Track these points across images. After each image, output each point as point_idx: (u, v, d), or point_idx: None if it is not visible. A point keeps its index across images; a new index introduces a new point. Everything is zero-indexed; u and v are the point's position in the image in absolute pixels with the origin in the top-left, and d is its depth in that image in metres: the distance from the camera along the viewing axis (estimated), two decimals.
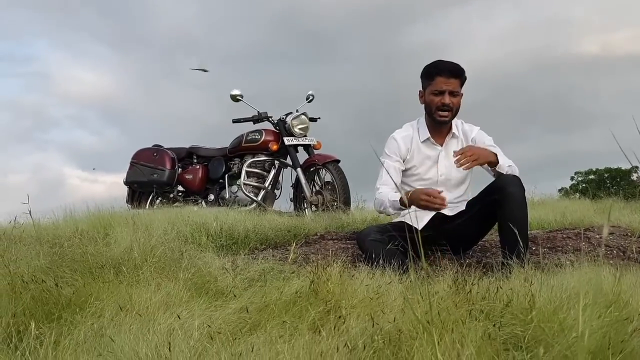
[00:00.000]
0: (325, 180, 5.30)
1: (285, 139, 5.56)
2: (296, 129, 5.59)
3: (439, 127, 3.20)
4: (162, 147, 6.50)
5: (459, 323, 1.70)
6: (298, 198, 5.53)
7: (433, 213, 3.15)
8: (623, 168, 33.91)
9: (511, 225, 2.77)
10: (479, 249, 3.43)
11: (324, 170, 5.28)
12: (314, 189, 5.38)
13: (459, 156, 2.88)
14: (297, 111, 5.73)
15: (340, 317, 1.93)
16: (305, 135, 5.62)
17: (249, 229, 3.72)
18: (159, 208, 5.79)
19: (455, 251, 3.18)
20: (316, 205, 5.21)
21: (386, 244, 2.92)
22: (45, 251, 2.71)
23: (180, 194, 6.29)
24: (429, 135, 3.21)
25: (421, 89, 3.22)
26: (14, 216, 3.42)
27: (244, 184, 5.62)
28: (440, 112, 3.12)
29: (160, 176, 6.21)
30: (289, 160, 5.62)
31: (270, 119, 5.77)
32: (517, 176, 2.98)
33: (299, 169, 5.41)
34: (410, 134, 3.26)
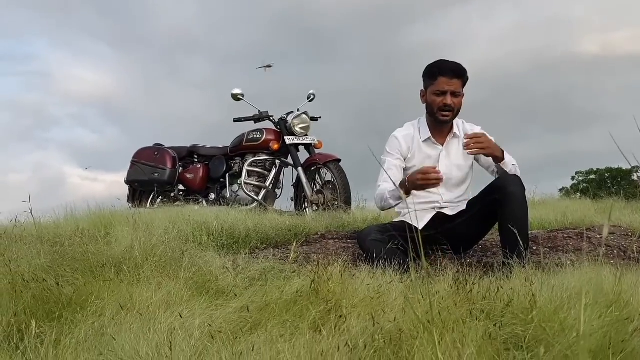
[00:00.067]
0: (326, 179, 5.30)
1: (286, 138, 5.56)
2: (297, 128, 5.59)
3: (440, 126, 3.20)
4: (163, 146, 6.51)
5: (459, 323, 1.70)
6: (299, 197, 5.53)
7: (434, 213, 3.16)
8: (624, 168, 33.88)
9: (512, 225, 2.77)
10: (480, 248, 3.43)
11: (325, 169, 5.28)
12: (314, 189, 5.38)
13: (467, 140, 2.88)
14: (298, 110, 5.73)
15: (341, 316, 1.93)
16: (306, 135, 5.62)
17: (250, 228, 3.73)
18: (159, 207, 5.79)
19: (456, 251, 3.18)
20: (317, 205, 5.21)
21: (387, 244, 2.92)
22: (46, 250, 2.71)
23: (181, 193, 6.29)
24: (430, 134, 3.21)
25: (423, 88, 3.21)
26: (14, 215, 3.44)
27: (245, 183, 5.62)
28: (442, 112, 3.12)
29: (161, 175, 6.21)
30: (290, 160, 5.62)
31: (271, 118, 5.77)
32: (517, 176, 2.98)
33: (300, 168, 5.41)
34: (412, 133, 3.26)
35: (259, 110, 5.80)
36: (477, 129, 3.24)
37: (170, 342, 1.66)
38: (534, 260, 2.82)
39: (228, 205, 5.51)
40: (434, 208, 3.18)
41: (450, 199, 3.19)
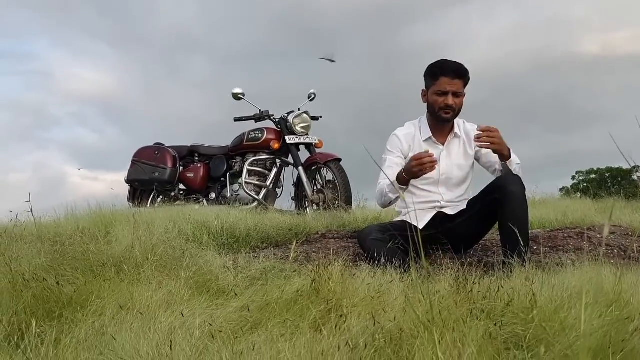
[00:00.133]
0: (327, 179, 5.30)
1: (286, 137, 5.56)
2: (298, 128, 5.59)
3: (441, 125, 3.20)
4: (164, 145, 6.51)
5: (460, 322, 1.70)
6: (299, 197, 5.53)
7: (434, 212, 3.16)
8: (624, 168, 33.89)
9: (512, 225, 2.77)
10: (480, 248, 3.43)
11: (325, 169, 5.28)
12: (315, 188, 5.38)
13: (480, 132, 2.87)
14: (298, 110, 5.73)
15: (341, 315, 1.93)
16: (307, 134, 5.62)
17: (251, 227, 3.73)
18: (160, 206, 5.80)
19: (457, 250, 3.18)
20: (317, 204, 5.21)
21: (387, 243, 2.92)
22: (47, 249, 2.71)
23: (181, 192, 6.29)
24: (431, 134, 3.21)
25: (424, 87, 3.21)
26: (15, 214, 3.44)
27: (246, 182, 5.62)
28: (443, 112, 3.12)
29: (161, 174, 6.21)
30: (290, 159, 5.62)
31: (272, 118, 5.77)
32: (517, 175, 2.97)
33: (300, 168, 5.41)
34: (412, 132, 3.26)
35: (260, 110, 5.80)
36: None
37: (171, 342, 1.66)
38: (535, 260, 2.82)
39: (229, 204, 5.51)
40: (434, 207, 3.18)
41: (450, 198, 3.19)
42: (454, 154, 3.22)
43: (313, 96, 5.95)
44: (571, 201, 5.63)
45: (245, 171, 5.65)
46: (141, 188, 6.49)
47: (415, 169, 2.86)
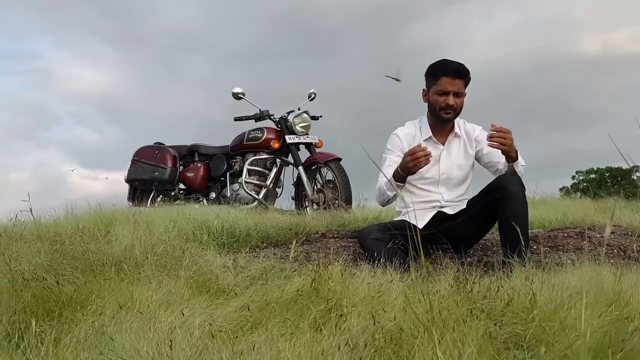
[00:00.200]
0: (327, 178, 5.29)
1: (287, 137, 5.55)
2: (298, 127, 5.59)
3: (441, 125, 3.20)
4: (164, 144, 6.50)
5: (459, 322, 1.70)
6: (299, 196, 5.53)
7: (434, 212, 3.16)
8: (624, 167, 33.91)
9: (512, 224, 2.77)
10: (480, 247, 3.43)
11: (325, 168, 5.27)
12: (315, 187, 5.38)
13: (494, 132, 2.84)
14: (298, 109, 5.73)
15: (341, 315, 1.93)
16: (307, 134, 5.62)
17: (251, 227, 3.72)
18: (160, 206, 5.79)
19: (456, 250, 3.18)
20: (317, 204, 5.21)
21: (387, 243, 2.92)
22: (46, 249, 2.71)
23: (181, 191, 6.29)
24: (431, 134, 3.21)
25: (425, 87, 3.21)
26: (14, 214, 3.43)
27: (246, 182, 5.62)
28: (444, 111, 3.12)
29: (161, 174, 6.21)
30: (290, 159, 5.61)
31: (272, 117, 5.77)
32: (517, 175, 2.97)
33: (300, 167, 5.41)
34: (413, 131, 3.26)
35: (260, 109, 5.79)
36: (478, 130, 3.24)
37: (171, 341, 1.66)
38: (534, 260, 2.82)
39: (228, 204, 5.51)
40: (434, 207, 3.18)
41: (450, 198, 3.19)
42: (454, 154, 3.22)
43: (313, 96, 5.94)
44: (571, 201, 5.63)
45: (245, 171, 5.64)
46: (141, 187, 6.49)
47: (410, 164, 2.86)
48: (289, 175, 5.72)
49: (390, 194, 3.09)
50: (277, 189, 5.84)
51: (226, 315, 1.99)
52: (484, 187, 3.10)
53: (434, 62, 3.18)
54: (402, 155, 3.17)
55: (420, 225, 3.05)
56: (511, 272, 2.48)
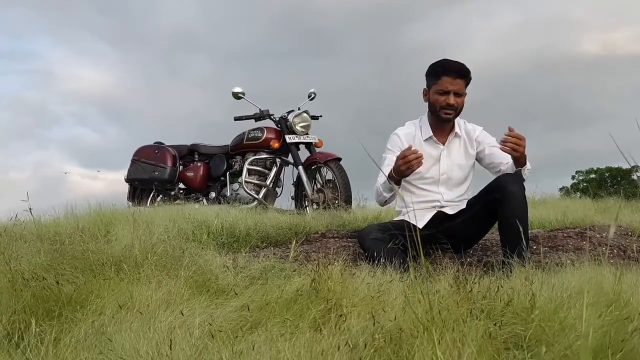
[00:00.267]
0: (327, 178, 5.29)
1: (286, 136, 5.55)
2: (298, 127, 5.59)
3: (441, 125, 3.20)
4: (164, 144, 6.51)
5: (459, 322, 1.70)
6: (299, 196, 5.53)
7: (434, 212, 3.16)
8: (624, 167, 33.95)
9: (512, 224, 2.77)
10: (480, 247, 3.43)
11: (325, 168, 5.27)
12: (315, 187, 5.38)
13: (509, 137, 2.82)
14: (298, 109, 5.73)
15: (341, 315, 1.93)
16: (307, 133, 5.62)
17: (250, 226, 3.72)
18: (160, 205, 5.79)
19: (456, 250, 3.18)
20: (317, 204, 5.21)
21: (387, 243, 2.92)
22: (46, 248, 2.71)
23: (181, 191, 6.29)
24: (432, 133, 3.21)
25: (425, 87, 3.21)
26: (14, 213, 3.43)
27: (246, 181, 5.62)
28: (444, 111, 3.12)
29: (161, 173, 6.21)
30: (290, 158, 5.61)
31: (272, 117, 5.77)
32: (517, 175, 2.97)
33: (300, 167, 5.41)
34: (413, 131, 3.26)
35: (260, 109, 5.79)
36: (479, 130, 3.24)
37: (170, 341, 1.66)
38: (534, 260, 2.82)
39: (228, 203, 5.51)
40: (434, 207, 3.18)
41: (450, 198, 3.19)
42: (455, 154, 3.22)
43: (313, 95, 5.94)
44: (571, 201, 5.63)
45: (245, 170, 5.64)
46: (141, 187, 6.49)
47: (403, 167, 2.85)
48: (289, 175, 5.73)
49: (387, 195, 3.09)
50: (277, 189, 5.84)
51: (226, 315, 1.99)
52: (483, 187, 3.10)
53: (434, 61, 3.19)
54: None
55: (420, 225, 3.06)
56: (511, 272, 2.48)
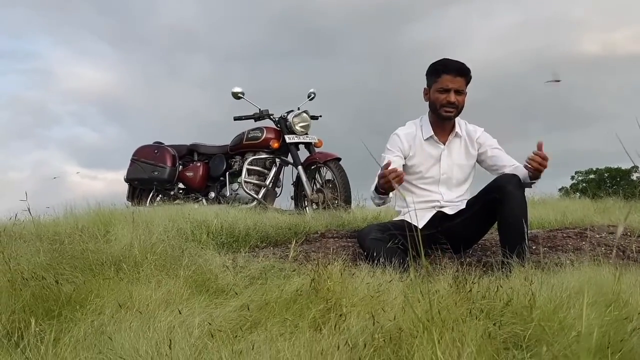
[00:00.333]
0: (326, 178, 5.29)
1: (286, 136, 5.55)
2: (297, 127, 5.59)
3: (442, 123, 3.20)
4: (163, 144, 6.50)
5: (459, 322, 1.70)
6: (299, 196, 5.53)
7: (434, 212, 3.16)
8: (623, 168, 34.02)
9: (511, 224, 2.77)
10: (479, 247, 3.43)
11: (325, 168, 5.27)
12: (314, 187, 5.38)
13: (537, 157, 2.83)
14: (298, 109, 5.73)
15: (340, 315, 1.93)
16: (307, 133, 5.62)
17: (250, 226, 3.72)
18: (159, 205, 5.79)
19: (456, 250, 3.19)
20: (317, 204, 5.21)
21: (387, 243, 2.92)
22: (46, 248, 2.71)
23: (180, 191, 6.29)
24: (433, 133, 3.21)
25: (426, 86, 3.22)
26: (14, 213, 3.43)
27: (245, 181, 5.62)
28: (445, 109, 3.13)
29: (160, 173, 6.21)
30: (290, 158, 5.61)
31: (271, 117, 5.77)
32: (516, 175, 2.98)
33: (300, 167, 5.41)
34: (413, 131, 3.26)
35: (259, 109, 5.79)
36: (480, 131, 3.25)
37: (170, 341, 1.66)
38: (534, 260, 2.82)
39: (228, 203, 5.51)
40: (434, 207, 3.18)
41: (450, 198, 3.19)
42: (455, 154, 3.22)
43: (313, 95, 5.94)
44: (570, 201, 5.63)
45: (244, 170, 5.64)
46: (140, 187, 6.49)
47: (386, 187, 2.86)
48: (289, 175, 5.73)
49: (379, 201, 3.11)
50: (276, 189, 5.84)
51: (225, 315, 1.99)
52: (483, 187, 3.10)
53: (435, 61, 3.19)
54: (401, 155, 3.18)
55: (420, 225, 3.06)
56: (510, 272, 2.48)
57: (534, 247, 3.31)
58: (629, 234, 3.67)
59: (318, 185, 5.36)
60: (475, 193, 3.17)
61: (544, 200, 5.74)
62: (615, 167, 33.95)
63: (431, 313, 1.63)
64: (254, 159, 5.70)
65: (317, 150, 5.57)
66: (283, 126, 5.63)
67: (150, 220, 3.42)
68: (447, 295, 1.97)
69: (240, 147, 5.87)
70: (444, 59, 3.18)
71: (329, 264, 2.28)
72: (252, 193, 5.58)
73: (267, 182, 5.67)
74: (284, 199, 5.79)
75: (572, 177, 35.66)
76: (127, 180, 6.51)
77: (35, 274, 2.26)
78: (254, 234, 3.66)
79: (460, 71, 3.11)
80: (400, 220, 3.18)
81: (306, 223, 3.93)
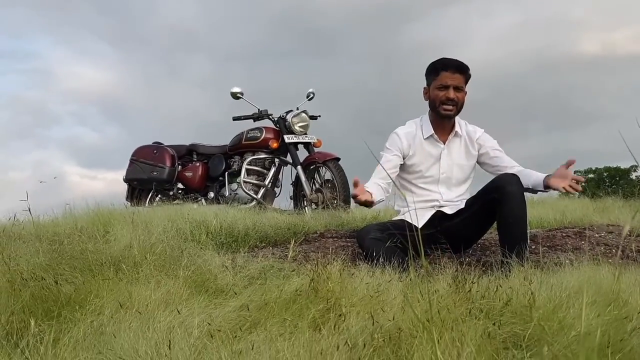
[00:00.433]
0: (325, 178, 5.30)
1: (285, 136, 5.56)
2: (296, 127, 5.59)
3: (442, 122, 3.20)
4: (162, 144, 6.51)
5: (458, 321, 1.70)
6: (298, 196, 5.53)
7: (433, 211, 3.16)
8: (622, 167, 34.03)
9: (511, 224, 2.77)
10: (479, 247, 3.43)
11: (324, 168, 5.28)
12: (313, 187, 5.38)
13: (574, 181, 2.89)
14: (297, 109, 5.73)
15: (340, 315, 1.93)
16: (306, 133, 5.62)
17: (249, 226, 3.72)
18: (158, 205, 5.79)
19: (455, 249, 3.19)
20: (316, 203, 5.21)
21: (386, 242, 2.92)
22: (45, 248, 2.71)
23: (180, 191, 6.29)
24: (433, 132, 3.21)
25: (425, 85, 3.23)
26: (13, 213, 3.43)
27: (244, 181, 5.62)
28: (444, 106, 3.13)
29: (160, 174, 6.21)
30: (289, 158, 5.62)
31: (270, 117, 5.77)
32: (516, 175, 2.98)
33: (299, 167, 5.41)
34: (413, 130, 3.26)
35: (258, 109, 5.80)
36: (480, 132, 3.25)
37: (169, 341, 1.66)
38: (533, 259, 2.82)
39: (227, 203, 5.51)
40: (433, 206, 3.18)
41: (450, 197, 3.19)
42: (455, 153, 3.22)
43: (312, 95, 5.95)
44: (569, 201, 5.63)
45: (243, 170, 5.65)
46: (139, 187, 6.49)
47: (362, 205, 2.98)
48: (288, 174, 5.74)
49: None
50: (275, 189, 5.84)
51: (225, 315, 1.99)
52: (482, 186, 3.10)
53: (433, 60, 3.20)
54: (399, 155, 3.19)
55: (419, 224, 3.06)
56: (510, 272, 2.48)
57: (533, 247, 3.31)
58: (628, 233, 3.67)
59: (317, 185, 5.37)
60: (475, 193, 3.17)
61: (543, 200, 5.74)
62: (615, 166, 33.97)
63: (431, 313, 1.63)
64: (253, 159, 5.70)
65: (316, 150, 5.58)
66: (282, 126, 5.64)
67: (149, 220, 3.41)
68: (446, 295, 1.97)
69: (239, 147, 5.88)
70: (443, 57, 3.19)
71: (328, 264, 2.28)
72: (251, 193, 5.59)
73: (266, 182, 5.67)
74: (283, 199, 5.80)
75: None
76: (126, 180, 6.51)
77: (34, 275, 2.26)
78: (253, 234, 3.66)
79: (459, 68, 3.12)
80: (399, 219, 3.18)
81: (305, 223, 3.93)
